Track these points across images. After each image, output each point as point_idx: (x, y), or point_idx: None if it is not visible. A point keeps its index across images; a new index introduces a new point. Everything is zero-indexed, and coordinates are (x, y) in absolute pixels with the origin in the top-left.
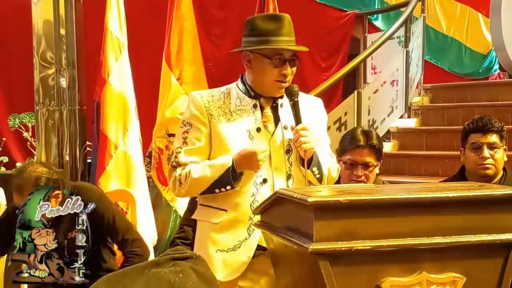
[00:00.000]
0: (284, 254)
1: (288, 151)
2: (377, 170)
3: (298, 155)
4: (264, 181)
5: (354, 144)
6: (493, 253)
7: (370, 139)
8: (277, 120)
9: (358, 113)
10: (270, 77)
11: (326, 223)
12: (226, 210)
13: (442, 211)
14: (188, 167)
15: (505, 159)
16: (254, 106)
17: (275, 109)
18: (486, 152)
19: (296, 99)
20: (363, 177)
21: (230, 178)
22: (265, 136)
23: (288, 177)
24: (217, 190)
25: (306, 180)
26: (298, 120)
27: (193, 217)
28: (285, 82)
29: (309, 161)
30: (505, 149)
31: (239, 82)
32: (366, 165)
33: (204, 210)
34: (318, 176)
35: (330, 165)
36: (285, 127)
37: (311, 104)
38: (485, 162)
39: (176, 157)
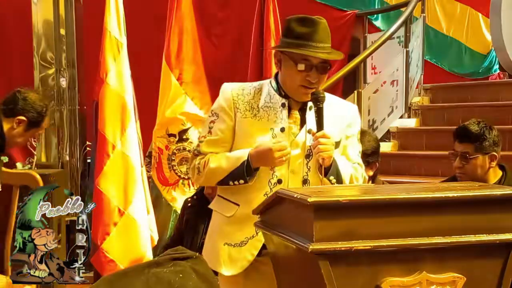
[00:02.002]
0: (284, 254)
1: (307, 156)
2: (369, 173)
3: (317, 161)
4: (279, 181)
5: None
6: (493, 253)
7: None
8: (303, 123)
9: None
10: (295, 81)
11: (326, 223)
12: (238, 205)
13: (442, 211)
14: (207, 156)
15: (489, 166)
16: (283, 105)
17: (303, 112)
18: (457, 161)
19: (320, 105)
20: None
21: (244, 172)
22: (288, 137)
23: (304, 182)
24: (231, 183)
25: None
26: (320, 126)
27: (209, 206)
28: (311, 88)
29: (326, 169)
30: (492, 156)
31: (272, 79)
32: None
33: (220, 202)
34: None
35: (354, 173)
36: (309, 131)
37: (344, 110)
38: (457, 171)
39: (198, 145)
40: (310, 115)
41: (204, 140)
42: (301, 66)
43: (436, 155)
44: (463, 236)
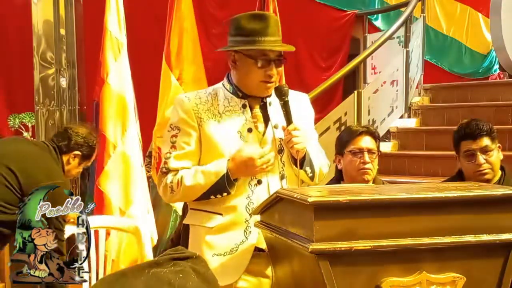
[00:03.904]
0: (284, 254)
1: (280, 151)
2: (377, 165)
3: (290, 154)
4: (259, 182)
5: (355, 134)
6: (493, 253)
7: (368, 128)
8: (267, 119)
9: (358, 113)
10: (255, 78)
11: (326, 223)
12: (221, 214)
13: (442, 211)
14: (180, 173)
15: (501, 157)
16: (243, 106)
17: (264, 109)
18: (481, 158)
19: (286, 99)
20: (370, 165)
21: (225, 185)
22: (257, 136)
23: (282, 177)
24: (212, 197)
25: (298, 180)
26: (289, 120)
27: (184, 222)
28: (271, 83)
29: (301, 161)
30: (499, 147)
31: (225, 82)
32: (370, 152)
33: (197, 215)
34: (310, 175)
35: (321, 161)
36: (275, 127)
37: (297, 101)
38: (481, 169)
39: (165, 162)
40: (272, 111)
41: (171, 156)
42: (261, 63)
43: (436, 155)
44: (463, 236)
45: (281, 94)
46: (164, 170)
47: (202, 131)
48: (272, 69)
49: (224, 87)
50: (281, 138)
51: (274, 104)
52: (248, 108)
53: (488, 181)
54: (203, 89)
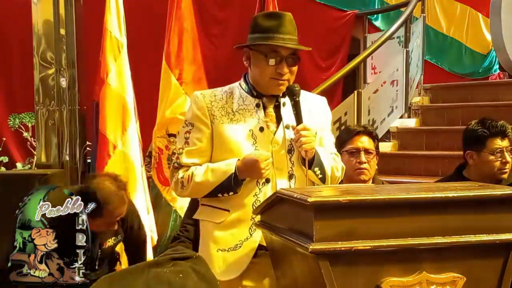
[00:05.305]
0: (284, 254)
1: (290, 151)
2: (375, 165)
3: (299, 155)
4: (267, 181)
5: (352, 133)
6: (493, 253)
7: (365, 127)
8: (279, 119)
9: (358, 113)
10: (266, 74)
11: (326, 223)
12: (228, 210)
13: (442, 211)
14: (191, 169)
15: None
16: (257, 105)
17: (277, 108)
18: (508, 156)
19: (297, 99)
20: (366, 165)
21: (232, 185)
22: (268, 135)
23: (290, 177)
24: (219, 195)
25: (307, 180)
26: (299, 120)
27: (194, 216)
28: (282, 81)
29: (310, 161)
30: None
31: (242, 81)
32: (367, 152)
33: (206, 210)
34: (320, 176)
35: (334, 164)
36: (287, 127)
37: (314, 103)
38: (506, 167)
39: (178, 158)
40: (285, 111)
41: (183, 151)
42: (272, 61)
43: (436, 155)
44: (463, 236)
45: (292, 94)
46: (176, 165)
47: (214, 128)
48: (283, 67)
49: (240, 86)
50: (291, 139)
51: (287, 105)
52: (261, 108)
53: (502, 180)
54: (220, 87)
